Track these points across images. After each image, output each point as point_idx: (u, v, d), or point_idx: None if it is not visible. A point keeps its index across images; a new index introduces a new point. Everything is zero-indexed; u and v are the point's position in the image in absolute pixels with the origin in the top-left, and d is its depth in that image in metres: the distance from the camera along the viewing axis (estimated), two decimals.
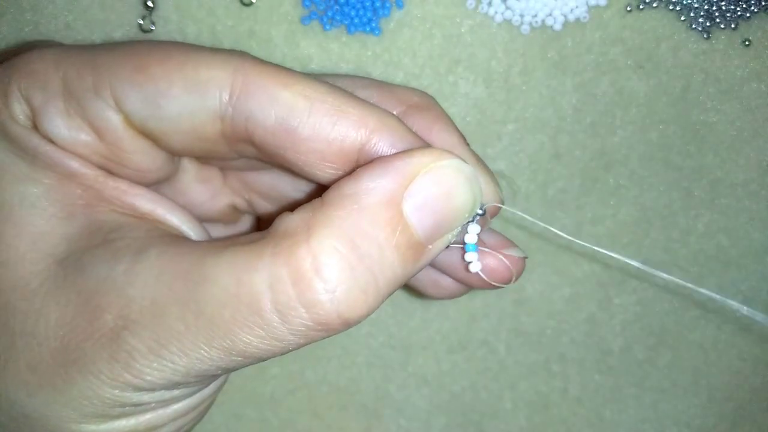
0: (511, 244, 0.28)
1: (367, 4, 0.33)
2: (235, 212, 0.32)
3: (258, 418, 0.38)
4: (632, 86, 0.34)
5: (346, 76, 0.31)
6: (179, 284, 0.22)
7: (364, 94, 0.28)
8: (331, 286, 0.21)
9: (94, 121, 0.25)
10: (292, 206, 0.30)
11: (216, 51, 0.25)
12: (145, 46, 0.25)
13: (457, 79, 0.34)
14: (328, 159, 0.24)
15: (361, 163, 0.24)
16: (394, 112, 0.28)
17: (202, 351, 0.22)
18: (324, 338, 0.22)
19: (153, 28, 0.34)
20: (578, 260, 0.37)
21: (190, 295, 0.22)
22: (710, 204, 0.36)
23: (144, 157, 0.26)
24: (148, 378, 0.22)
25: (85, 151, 0.25)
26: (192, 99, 0.24)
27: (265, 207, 0.31)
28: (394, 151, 0.24)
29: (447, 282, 0.29)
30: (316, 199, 0.23)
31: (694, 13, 0.34)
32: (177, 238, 0.25)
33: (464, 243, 0.25)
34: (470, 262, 0.26)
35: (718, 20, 0.34)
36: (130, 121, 0.25)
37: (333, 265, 0.21)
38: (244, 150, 0.26)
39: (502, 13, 0.33)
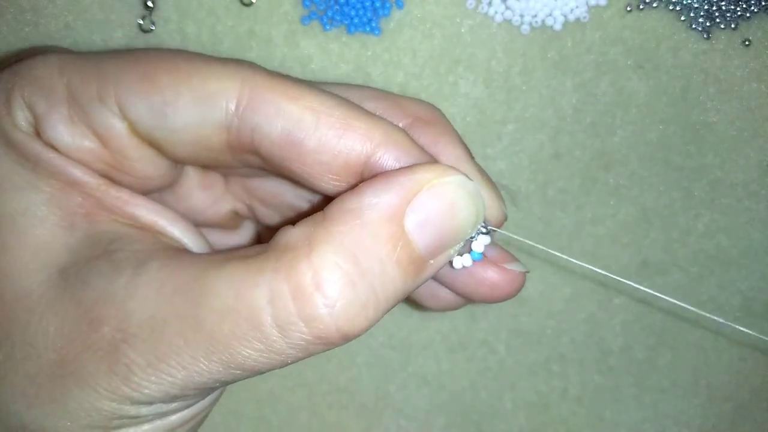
0: (513, 258, 0.28)
1: (367, 4, 0.33)
2: (237, 218, 0.32)
3: (257, 417, 0.38)
4: (632, 86, 0.34)
5: (354, 86, 0.31)
6: (179, 298, 0.22)
7: (371, 106, 0.28)
8: (331, 301, 0.21)
9: (98, 128, 0.25)
10: (294, 215, 0.30)
11: (224, 61, 0.25)
12: (151, 55, 0.25)
13: (457, 79, 0.34)
14: (333, 171, 0.25)
15: (366, 177, 0.24)
16: (400, 125, 0.28)
17: (201, 365, 0.22)
18: (323, 351, 0.22)
19: (153, 28, 0.34)
20: (578, 260, 0.37)
21: (190, 309, 0.22)
22: (710, 204, 0.36)
23: (148, 164, 0.26)
24: (146, 392, 0.22)
25: (89, 158, 0.25)
26: (199, 110, 0.24)
27: (266, 213, 0.31)
28: (399, 165, 0.24)
29: (445, 294, 0.29)
30: (318, 213, 0.23)
31: (694, 13, 0.34)
32: (178, 251, 0.25)
33: (470, 250, 0.25)
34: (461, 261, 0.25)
35: (718, 20, 0.34)
36: (135, 129, 0.25)
37: (334, 281, 0.21)
38: (249, 160, 0.26)
39: (502, 13, 0.33)
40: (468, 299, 0.29)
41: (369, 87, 0.32)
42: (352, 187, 0.24)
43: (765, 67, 0.34)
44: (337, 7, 0.33)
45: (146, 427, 0.24)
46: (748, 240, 0.36)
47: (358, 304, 0.21)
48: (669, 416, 0.39)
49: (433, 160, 0.25)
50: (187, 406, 0.25)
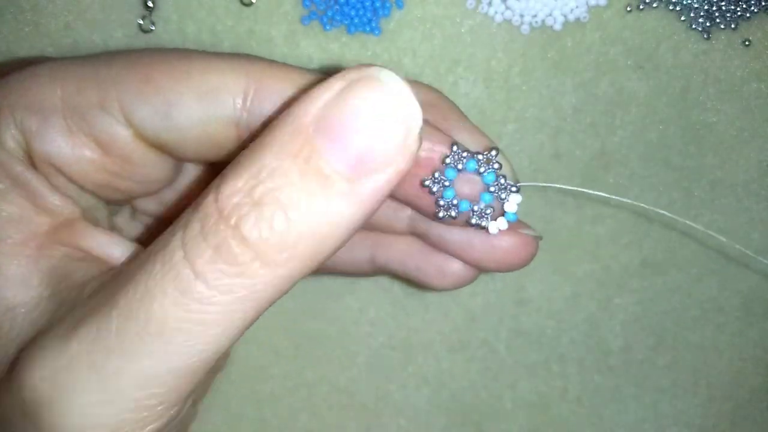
0: (524, 224, 0.27)
1: (367, 4, 0.33)
2: None
3: (257, 418, 0.38)
4: (632, 86, 0.34)
5: None
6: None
7: None
8: (243, 232, 0.19)
9: (101, 136, 0.24)
10: None
11: (224, 56, 0.25)
12: (148, 56, 0.25)
13: (457, 79, 0.34)
14: None
15: None
16: None
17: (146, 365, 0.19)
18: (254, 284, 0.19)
19: (153, 28, 0.34)
20: (578, 260, 0.37)
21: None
22: (710, 204, 0.36)
23: (152, 167, 0.26)
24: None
25: (90, 168, 0.25)
26: (205, 108, 0.24)
27: None
28: None
29: (454, 268, 0.28)
30: None
31: (694, 13, 0.34)
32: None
33: (503, 212, 0.24)
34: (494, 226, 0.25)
35: (718, 20, 0.34)
36: (140, 134, 0.24)
37: (241, 205, 0.19)
38: None
39: (502, 13, 0.33)
40: (480, 269, 0.28)
41: None
42: None
43: (765, 67, 0.34)
44: (337, 7, 0.33)
45: None
46: (748, 240, 0.36)
47: (277, 234, 0.19)
48: (669, 416, 0.39)
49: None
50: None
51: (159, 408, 0.20)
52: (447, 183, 0.24)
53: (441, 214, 0.25)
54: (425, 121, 0.22)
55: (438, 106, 0.29)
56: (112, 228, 0.28)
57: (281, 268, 0.19)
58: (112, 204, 0.27)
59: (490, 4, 0.33)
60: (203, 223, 0.19)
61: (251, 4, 0.34)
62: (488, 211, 0.25)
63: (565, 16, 0.33)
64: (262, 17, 0.34)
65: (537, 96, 0.35)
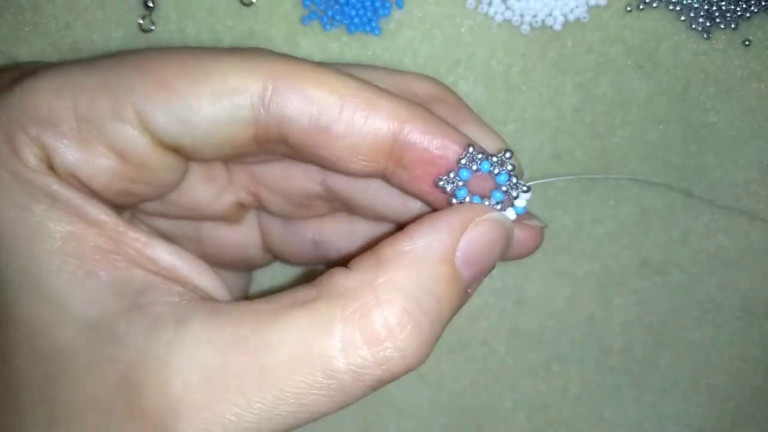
0: (531, 215, 0.28)
1: (367, 4, 0.33)
2: (241, 210, 0.31)
3: None
4: (632, 86, 0.34)
5: (362, 66, 0.30)
6: (236, 354, 0.21)
7: (385, 86, 0.27)
8: (402, 344, 0.22)
9: (118, 145, 0.24)
10: (305, 199, 0.29)
11: (239, 54, 0.24)
12: (159, 58, 0.24)
13: (457, 79, 0.34)
14: (361, 153, 0.25)
15: (396, 155, 0.25)
16: None
17: (266, 419, 0.21)
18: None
19: (153, 28, 0.34)
20: (578, 260, 0.37)
21: (251, 364, 0.21)
22: (710, 204, 0.36)
23: (168, 171, 0.26)
24: None
25: (108, 177, 0.24)
26: (224, 110, 0.24)
27: (273, 200, 0.30)
28: (427, 138, 0.24)
29: None
30: (369, 255, 0.23)
31: (694, 13, 0.34)
32: (216, 303, 0.24)
33: (512, 205, 0.26)
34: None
35: (718, 20, 0.34)
36: (158, 139, 0.24)
37: (404, 325, 0.22)
38: (274, 149, 0.26)
39: (502, 13, 0.33)
40: None
41: (377, 66, 0.32)
42: (379, 166, 0.25)
43: (765, 67, 0.34)
44: (337, 7, 0.33)
45: None
46: (748, 240, 0.36)
47: (423, 341, 0.22)
48: (669, 416, 0.39)
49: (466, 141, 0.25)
50: None
51: None
52: (461, 183, 0.25)
53: None
54: (439, 118, 0.25)
55: (446, 101, 0.29)
56: None
57: (413, 364, 0.23)
58: (120, 209, 0.27)
59: (490, 4, 0.33)
60: (364, 334, 0.22)
61: (251, 4, 0.34)
62: (498, 207, 0.25)
63: (565, 16, 0.33)
64: (262, 17, 0.34)
65: (537, 96, 0.35)
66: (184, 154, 0.25)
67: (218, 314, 0.22)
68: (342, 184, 0.29)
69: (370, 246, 0.24)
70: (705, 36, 0.34)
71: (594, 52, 0.34)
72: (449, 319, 0.24)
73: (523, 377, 0.38)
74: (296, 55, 0.34)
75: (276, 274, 0.37)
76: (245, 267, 0.34)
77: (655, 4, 0.33)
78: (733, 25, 0.34)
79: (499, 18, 0.33)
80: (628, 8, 0.34)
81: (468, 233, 0.24)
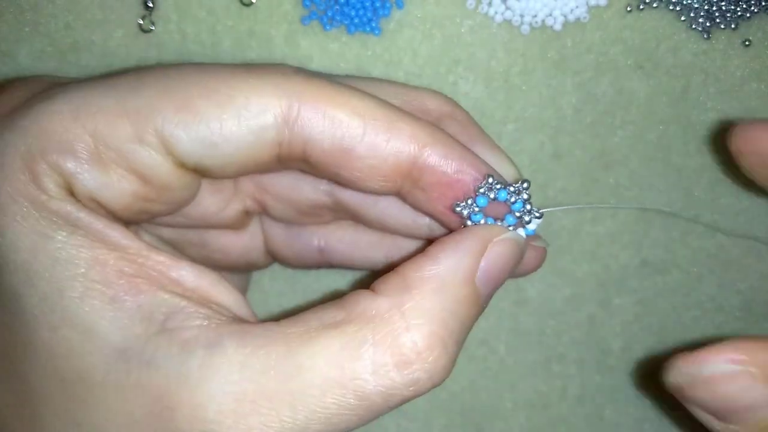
0: (537, 235, 0.29)
1: (367, 4, 0.33)
2: (246, 217, 0.31)
3: None
4: (632, 86, 0.34)
5: (373, 80, 0.31)
6: (268, 377, 0.22)
7: (398, 104, 0.28)
8: (430, 365, 0.23)
9: (140, 168, 0.24)
10: (310, 209, 0.30)
11: (261, 72, 0.24)
12: (180, 78, 0.24)
13: (457, 79, 0.34)
14: (382, 174, 0.25)
15: (414, 176, 0.25)
16: None
17: None
18: None
19: (153, 28, 0.34)
20: (578, 260, 0.37)
21: (284, 386, 0.22)
22: (710, 204, 0.36)
23: (186, 190, 0.26)
24: None
25: (128, 199, 0.24)
26: (247, 132, 0.24)
27: (279, 208, 0.30)
28: (445, 161, 0.25)
29: None
30: (395, 277, 0.24)
31: (694, 13, 0.34)
32: (244, 326, 0.24)
33: (523, 226, 0.27)
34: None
35: (718, 20, 0.34)
36: (180, 162, 0.24)
37: (432, 348, 0.23)
38: (294, 166, 0.26)
39: (502, 13, 0.33)
40: None
41: (388, 81, 0.32)
42: (396, 185, 0.26)
43: (765, 67, 0.34)
44: (337, 7, 0.33)
45: None
46: (748, 240, 0.36)
47: (449, 360, 0.24)
48: (669, 416, 0.39)
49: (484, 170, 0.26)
50: None
51: None
52: (477, 209, 0.26)
53: None
54: (457, 142, 0.26)
55: (457, 119, 0.29)
56: None
57: (439, 383, 0.24)
58: (130, 223, 0.27)
59: (490, 4, 0.33)
60: (394, 357, 0.23)
61: (251, 4, 0.34)
62: (510, 230, 0.27)
63: (565, 16, 0.33)
64: (262, 17, 0.34)
65: (537, 96, 0.35)
66: (205, 174, 0.25)
67: (249, 337, 0.23)
68: (350, 197, 0.29)
69: (391, 265, 0.26)
70: (705, 36, 0.34)
71: (594, 52, 0.34)
72: (468, 334, 0.25)
73: (523, 377, 0.38)
74: (296, 55, 0.34)
75: (276, 275, 0.37)
76: (247, 269, 0.34)
77: (655, 4, 0.33)
78: (733, 25, 0.34)
79: (499, 18, 0.33)
80: (628, 8, 0.34)
81: (487, 254, 0.25)
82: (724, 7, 0.33)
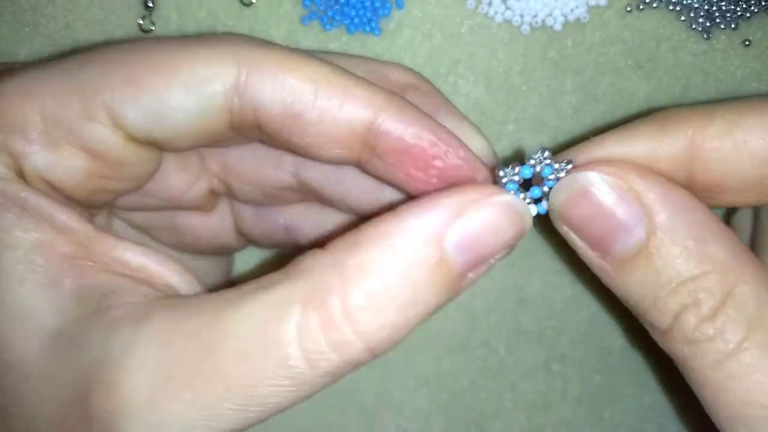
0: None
1: (367, 4, 0.33)
2: (213, 198, 0.31)
3: None
4: (632, 86, 0.34)
5: (337, 54, 0.30)
6: (190, 349, 0.21)
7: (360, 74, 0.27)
8: (363, 327, 0.21)
9: (89, 144, 0.24)
10: (275, 191, 0.29)
11: (209, 42, 0.24)
12: (128, 53, 0.24)
13: (457, 79, 0.34)
14: (336, 140, 0.24)
15: (370, 143, 0.24)
16: None
17: (215, 414, 0.20)
18: (352, 372, 0.22)
19: (153, 28, 0.34)
20: (578, 260, 0.37)
21: (202, 358, 0.20)
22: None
23: (142, 164, 0.25)
24: None
25: (81, 177, 0.24)
26: (196, 100, 0.23)
27: (244, 190, 0.30)
28: (402, 127, 0.24)
29: None
30: (349, 235, 0.22)
31: (694, 13, 0.34)
32: (180, 297, 0.23)
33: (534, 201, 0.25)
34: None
35: (718, 20, 0.34)
36: (130, 135, 0.24)
37: (366, 309, 0.21)
38: (249, 134, 0.25)
39: (502, 13, 0.33)
40: None
41: (352, 55, 0.31)
42: (353, 154, 0.24)
43: (765, 67, 0.34)
44: (337, 7, 0.33)
45: None
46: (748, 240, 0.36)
47: (389, 325, 0.21)
48: (669, 416, 0.39)
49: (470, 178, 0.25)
50: None
51: None
52: (517, 179, 0.24)
53: None
54: (414, 107, 0.24)
55: (420, 89, 0.28)
56: None
57: (377, 350, 0.22)
58: (96, 208, 0.27)
59: (490, 4, 0.33)
60: (321, 317, 0.21)
61: (251, 4, 0.34)
62: (528, 201, 0.25)
63: (565, 16, 0.33)
64: (262, 17, 0.34)
65: (537, 96, 0.35)
66: (158, 147, 0.25)
67: (178, 309, 0.22)
68: (314, 176, 0.28)
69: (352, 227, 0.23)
70: (705, 36, 0.34)
71: (594, 52, 0.34)
72: (433, 307, 0.22)
73: (523, 377, 0.38)
74: None
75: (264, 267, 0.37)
76: (221, 252, 0.33)
77: (655, 4, 0.33)
78: (733, 25, 0.34)
79: (499, 18, 0.33)
80: (628, 8, 0.34)
81: (468, 214, 0.22)
82: (724, 7, 0.33)
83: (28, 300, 0.22)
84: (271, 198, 0.30)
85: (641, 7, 0.33)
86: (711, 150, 0.23)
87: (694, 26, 0.34)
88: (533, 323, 0.38)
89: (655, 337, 0.23)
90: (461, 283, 0.23)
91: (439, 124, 0.25)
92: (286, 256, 0.35)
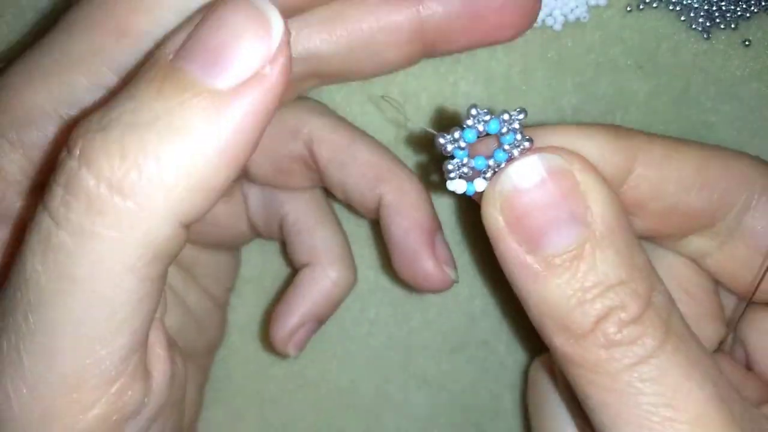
0: (453, 262, 0.30)
1: None
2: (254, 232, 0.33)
3: (258, 418, 0.38)
4: (632, 86, 0.34)
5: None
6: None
7: None
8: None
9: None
10: (285, 167, 0.31)
11: None
12: (90, 15, 0.23)
13: (457, 79, 0.34)
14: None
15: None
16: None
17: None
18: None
19: None
20: None
21: None
22: None
23: None
24: None
25: None
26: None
27: (260, 165, 0.31)
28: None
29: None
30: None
31: (694, 13, 0.34)
32: None
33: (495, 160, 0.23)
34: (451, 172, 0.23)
35: (718, 20, 0.34)
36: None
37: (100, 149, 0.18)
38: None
39: None
40: (404, 278, 0.31)
41: None
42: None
43: (765, 67, 0.34)
44: None
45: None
46: None
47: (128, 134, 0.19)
48: None
49: None
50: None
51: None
52: (463, 144, 0.23)
53: (452, 176, 0.23)
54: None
55: None
56: None
57: (163, 208, 0.19)
58: None
59: None
60: (67, 184, 0.18)
61: None
62: (489, 175, 0.23)
63: (565, 16, 0.33)
64: None
65: (537, 96, 0.35)
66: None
67: None
68: (324, 153, 0.30)
69: None
70: (705, 36, 0.34)
71: (594, 52, 0.34)
72: (197, 126, 0.19)
73: (523, 377, 0.38)
74: None
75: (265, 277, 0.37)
76: (235, 243, 0.35)
77: (655, 4, 0.33)
78: (733, 25, 0.34)
79: None
80: (628, 8, 0.34)
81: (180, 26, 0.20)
82: (724, 7, 0.33)
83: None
84: (282, 175, 0.31)
85: (641, 7, 0.33)
86: (649, 167, 0.24)
87: (694, 26, 0.34)
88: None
89: (561, 342, 0.22)
90: (222, 103, 0.19)
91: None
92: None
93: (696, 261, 0.27)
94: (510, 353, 0.38)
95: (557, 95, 0.35)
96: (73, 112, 0.22)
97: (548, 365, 0.30)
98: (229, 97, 0.18)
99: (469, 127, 0.23)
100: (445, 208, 0.35)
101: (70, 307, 0.18)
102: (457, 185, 0.23)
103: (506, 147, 0.23)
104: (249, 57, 0.19)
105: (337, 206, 0.34)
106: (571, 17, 0.33)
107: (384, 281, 0.37)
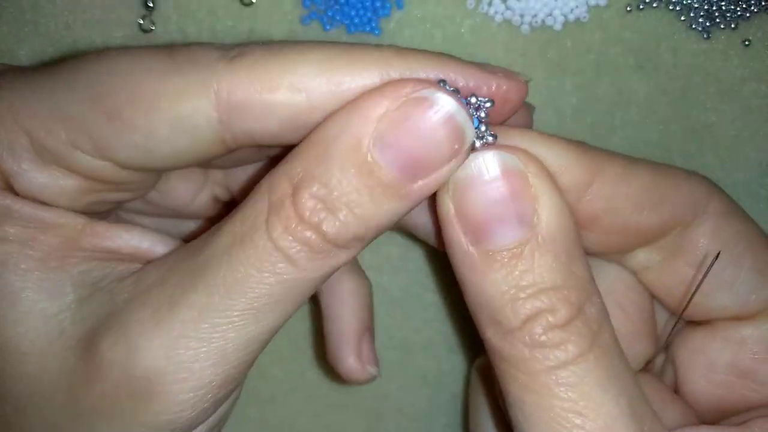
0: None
1: (367, 4, 0.33)
2: (217, 205, 0.31)
3: (258, 418, 0.38)
4: (632, 86, 0.34)
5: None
6: (179, 274, 0.22)
7: None
8: (314, 223, 0.21)
9: (80, 169, 0.24)
10: None
11: (186, 69, 0.23)
12: (108, 80, 0.23)
13: None
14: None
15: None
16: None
17: (224, 318, 0.22)
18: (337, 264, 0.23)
19: (153, 28, 0.34)
20: None
21: (196, 274, 0.22)
22: None
23: (140, 181, 0.25)
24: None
25: (74, 194, 0.24)
26: (181, 134, 0.23)
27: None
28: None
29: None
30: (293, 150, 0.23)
31: (694, 13, 0.34)
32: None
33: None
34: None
35: (718, 20, 0.34)
36: (122, 164, 0.24)
37: (312, 209, 0.21)
38: (251, 148, 0.26)
39: (502, 13, 0.33)
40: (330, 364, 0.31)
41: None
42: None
43: (765, 67, 0.34)
44: (338, 6, 0.33)
45: None
46: None
47: (341, 225, 0.22)
48: None
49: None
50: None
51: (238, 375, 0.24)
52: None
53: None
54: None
55: None
56: None
57: (352, 250, 0.22)
58: (100, 213, 0.27)
59: (490, 4, 0.33)
60: (284, 224, 0.21)
61: (251, 4, 0.34)
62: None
63: (565, 16, 0.33)
64: (262, 17, 0.34)
65: (537, 96, 0.35)
66: (152, 171, 0.25)
67: (169, 256, 0.24)
68: None
69: None
70: (705, 36, 0.34)
71: (594, 52, 0.34)
72: (384, 213, 0.22)
73: None
74: None
75: None
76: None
77: (655, 4, 0.33)
78: (733, 25, 0.34)
79: (499, 18, 0.33)
80: (628, 8, 0.34)
81: (383, 119, 0.21)
82: (724, 7, 0.33)
83: (15, 286, 0.23)
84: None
85: (641, 7, 0.33)
86: (605, 184, 0.24)
87: (694, 26, 0.34)
88: None
89: (491, 335, 0.23)
90: (407, 193, 0.22)
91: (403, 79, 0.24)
92: None
93: (637, 274, 0.28)
94: None
95: (557, 95, 0.35)
96: (50, 155, 0.23)
97: (482, 367, 0.31)
98: (414, 188, 0.22)
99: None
100: None
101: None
102: None
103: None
104: (438, 163, 0.22)
105: None
106: (571, 17, 0.33)
107: (384, 281, 0.37)
